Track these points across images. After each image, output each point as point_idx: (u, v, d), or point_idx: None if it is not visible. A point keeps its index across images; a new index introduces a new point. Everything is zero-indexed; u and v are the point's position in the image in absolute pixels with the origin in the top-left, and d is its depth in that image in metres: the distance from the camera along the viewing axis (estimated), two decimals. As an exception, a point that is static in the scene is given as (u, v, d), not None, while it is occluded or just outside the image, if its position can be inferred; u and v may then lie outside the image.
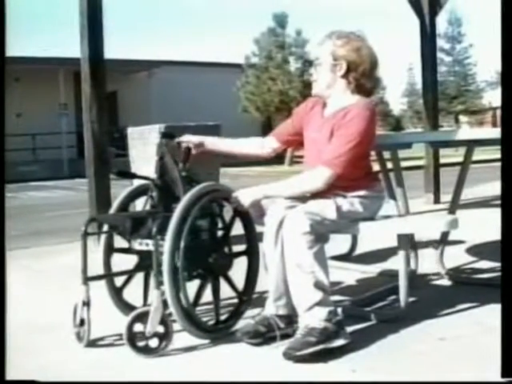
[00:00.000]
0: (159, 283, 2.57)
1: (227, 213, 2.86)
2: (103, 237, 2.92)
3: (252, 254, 2.92)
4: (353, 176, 2.71)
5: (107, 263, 2.91)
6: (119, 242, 2.92)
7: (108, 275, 2.90)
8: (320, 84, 2.84)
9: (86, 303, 2.68)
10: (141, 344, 2.54)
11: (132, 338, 2.53)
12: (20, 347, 2.67)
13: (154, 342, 2.55)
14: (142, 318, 2.56)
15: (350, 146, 2.65)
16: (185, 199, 2.64)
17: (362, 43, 2.81)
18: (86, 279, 2.71)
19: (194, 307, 2.66)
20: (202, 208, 2.68)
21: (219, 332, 2.73)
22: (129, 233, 2.75)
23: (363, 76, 2.78)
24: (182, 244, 2.56)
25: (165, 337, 2.56)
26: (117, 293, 2.91)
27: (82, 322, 2.68)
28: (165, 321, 2.56)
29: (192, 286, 2.70)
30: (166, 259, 2.53)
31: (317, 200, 2.69)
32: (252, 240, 2.91)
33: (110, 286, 2.91)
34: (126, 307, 2.88)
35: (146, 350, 2.54)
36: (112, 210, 2.91)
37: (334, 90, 2.80)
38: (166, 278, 2.53)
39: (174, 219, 2.58)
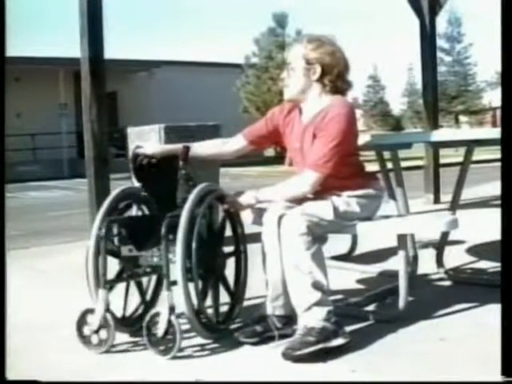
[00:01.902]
0: (169, 285, 2.55)
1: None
2: (92, 240, 2.73)
3: (241, 255, 2.91)
4: (342, 174, 2.71)
5: (96, 267, 2.74)
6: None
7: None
8: (293, 89, 2.80)
9: (107, 309, 2.64)
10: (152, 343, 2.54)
11: (151, 336, 2.54)
12: (20, 347, 2.67)
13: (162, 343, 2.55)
14: (154, 318, 2.56)
15: (332, 146, 2.64)
16: (190, 199, 2.63)
17: (334, 46, 2.79)
18: (106, 282, 2.66)
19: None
20: (208, 207, 2.68)
21: (221, 332, 2.73)
22: (141, 244, 2.72)
23: (338, 78, 2.76)
24: (194, 244, 2.55)
25: (174, 338, 2.54)
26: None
27: (99, 328, 2.63)
28: (172, 323, 2.53)
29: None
30: (178, 259, 2.52)
31: (314, 201, 2.70)
32: (241, 241, 2.90)
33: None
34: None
35: (158, 350, 2.54)
36: (100, 214, 2.75)
37: (308, 94, 2.78)
38: (179, 278, 2.51)
39: (182, 219, 2.56)
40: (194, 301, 2.57)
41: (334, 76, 2.75)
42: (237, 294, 2.89)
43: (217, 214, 2.84)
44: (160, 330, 2.52)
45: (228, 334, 2.72)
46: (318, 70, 2.74)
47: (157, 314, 2.56)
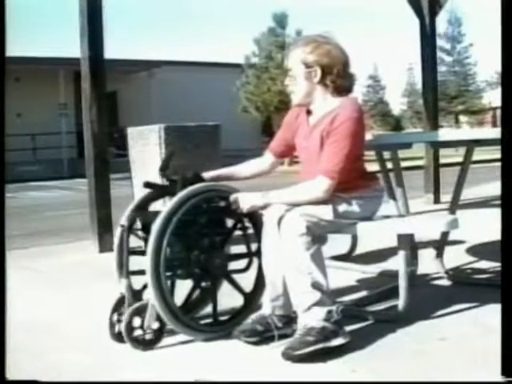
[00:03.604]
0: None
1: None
2: (117, 236, 2.78)
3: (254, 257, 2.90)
4: (348, 178, 2.70)
5: (125, 264, 2.73)
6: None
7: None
8: (298, 94, 2.80)
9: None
10: (137, 336, 2.62)
11: (130, 330, 2.60)
12: (20, 347, 2.67)
13: (149, 336, 2.63)
14: (141, 311, 2.62)
15: (345, 152, 2.63)
16: (173, 201, 2.63)
17: (331, 44, 2.78)
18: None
19: (185, 308, 2.71)
20: (192, 208, 2.67)
21: (215, 332, 2.73)
22: None
23: (339, 77, 2.75)
24: (165, 243, 2.56)
25: (160, 331, 2.63)
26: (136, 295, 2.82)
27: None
28: (160, 316, 2.60)
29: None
30: (148, 259, 2.54)
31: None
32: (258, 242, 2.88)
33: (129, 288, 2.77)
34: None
35: (142, 343, 2.61)
36: (130, 208, 2.81)
37: (314, 97, 2.78)
38: (148, 277, 2.55)
39: (158, 220, 2.58)
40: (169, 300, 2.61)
41: (335, 75, 2.74)
42: (252, 293, 2.89)
43: (215, 214, 2.82)
44: (147, 322, 2.62)
45: (225, 333, 2.73)
46: (319, 72, 2.73)
47: (143, 307, 2.63)
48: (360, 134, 2.71)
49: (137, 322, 2.62)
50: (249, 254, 2.87)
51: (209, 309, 2.83)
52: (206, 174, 2.88)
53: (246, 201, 2.70)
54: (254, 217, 2.83)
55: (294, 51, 2.81)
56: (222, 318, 2.81)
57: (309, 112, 2.85)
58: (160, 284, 2.56)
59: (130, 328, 2.61)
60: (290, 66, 2.83)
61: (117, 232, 2.79)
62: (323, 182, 2.64)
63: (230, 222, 2.85)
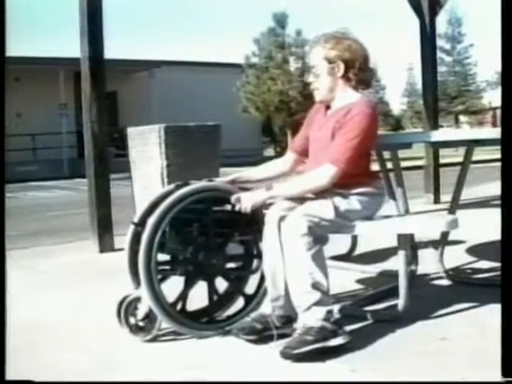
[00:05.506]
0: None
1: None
2: (130, 232, 2.77)
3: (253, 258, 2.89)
4: (353, 173, 2.71)
5: (133, 261, 2.73)
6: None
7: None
8: (323, 90, 2.84)
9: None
10: (132, 325, 2.70)
11: (127, 318, 2.69)
12: (20, 347, 2.67)
13: (143, 324, 2.70)
14: (136, 301, 2.68)
15: (353, 144, 2.66)
16: (169, 198, 2.63)
17: (350, 39, 2.82)
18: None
19: (175, 305, 2.70)
20: (190, 207, 2.67)
21: (209, 330, 2.74)
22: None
23: (361, 70, 2.79)
24: (157, 241, 2.58)
25: (152, 320, 2.67)
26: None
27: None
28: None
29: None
30: (141, 256, 2.56)
31: (314, 200, 2.69)
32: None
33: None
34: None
35: (138, 331, 2.70)
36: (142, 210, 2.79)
37: (336, 92, 2.81)
38: (141, 273, 2.57)
39: (152, 217, 2.59)
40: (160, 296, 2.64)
41: (357, 69, 2.78)
42: (255, 293, 2.89)
43: (215, 213, 2.80)
44: (140, 313, 2.68)
45: (220, 332, 2.74)
46: (342, 66, 2.77)
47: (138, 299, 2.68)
48: (371, 129, 2.73)
49: (134, 310, 2.70)
50: (249, 255, 2.87)
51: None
52: (222, 180, 2.88)
53: (248, 199, 2.69)
54: (257, 216, 2.82)
55: (315, 49, 2.84)
56: (219, 317, 2.81)
57: (328, 107, 2.88)
58: (151, 280, 2.57)
59: (127, 316, 2.69)
60: (312, 63, 2.86)
61: (129, 230, 2.77)
62: (329, 169, 2.65)
63: (232, 223, 2.83)
